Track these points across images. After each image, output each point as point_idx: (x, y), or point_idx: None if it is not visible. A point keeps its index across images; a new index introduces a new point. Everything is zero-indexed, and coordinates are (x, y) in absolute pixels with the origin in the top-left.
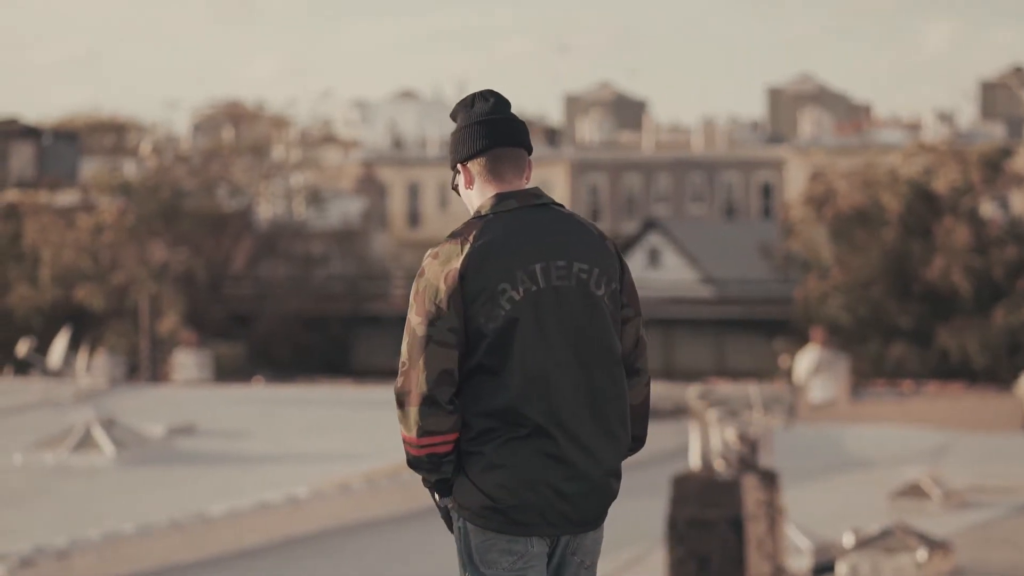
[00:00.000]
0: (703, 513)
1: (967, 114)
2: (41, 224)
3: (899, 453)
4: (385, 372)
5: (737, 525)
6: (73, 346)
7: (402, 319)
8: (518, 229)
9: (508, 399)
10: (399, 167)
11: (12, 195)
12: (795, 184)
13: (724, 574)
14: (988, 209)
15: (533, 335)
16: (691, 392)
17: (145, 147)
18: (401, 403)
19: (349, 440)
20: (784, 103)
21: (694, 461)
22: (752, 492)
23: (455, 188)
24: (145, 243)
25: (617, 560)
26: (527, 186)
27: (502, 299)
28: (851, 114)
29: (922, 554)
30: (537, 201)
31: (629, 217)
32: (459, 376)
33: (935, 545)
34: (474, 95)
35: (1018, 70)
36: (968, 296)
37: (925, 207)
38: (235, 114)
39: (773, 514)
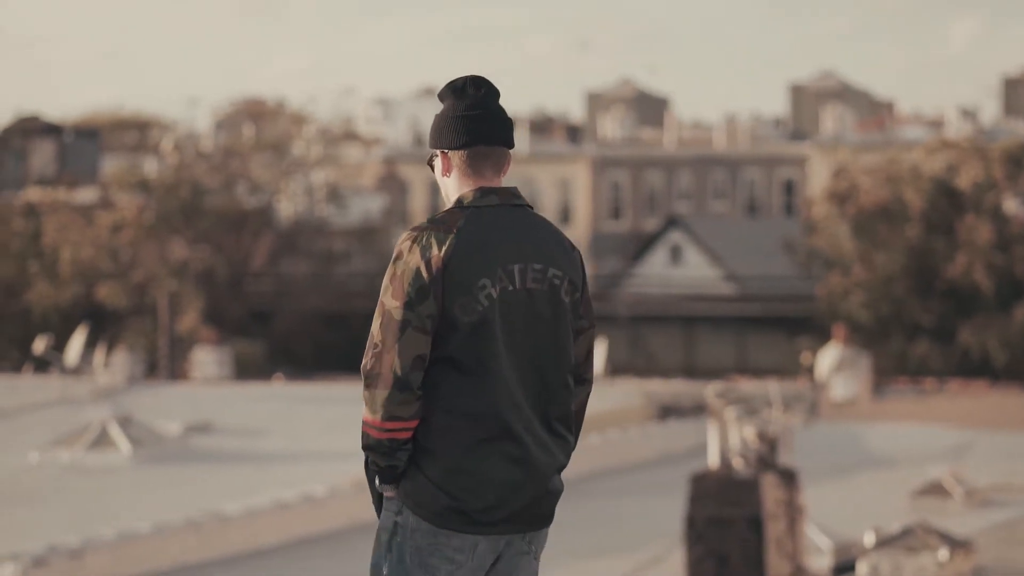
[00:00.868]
0: (722, 512)
1: (990, 111)
2: (60, 222)
3: (921, 451)
4: None
5: (756, 524)
6: (91, 344)
7: None
8: (500, 226)
9: (475, 400)
10: (421, 164)
11: (33, 193)
12: (818, 181)
13: (743, 573)
14: (1011, 206)
15: (503, 336)
16: (709, 390)
17: (166, 144)
18: (370, 385)
19: None
20: (807, 100)
21: (712, 459)
22: (771, 491)
23: (430, 166)
24: (165, 240)
25: (635, 560)
26: (504, 183)
27: (481, 294)
28: (874, 111)
29: (944, 553)
30: (516, 201)
31: (651, 214)
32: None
33: (957, 544)
34: (465, 81)
35: None
36: (990, 293)
37: (948, 204)
38: (256, 111)
39: (793, 513)
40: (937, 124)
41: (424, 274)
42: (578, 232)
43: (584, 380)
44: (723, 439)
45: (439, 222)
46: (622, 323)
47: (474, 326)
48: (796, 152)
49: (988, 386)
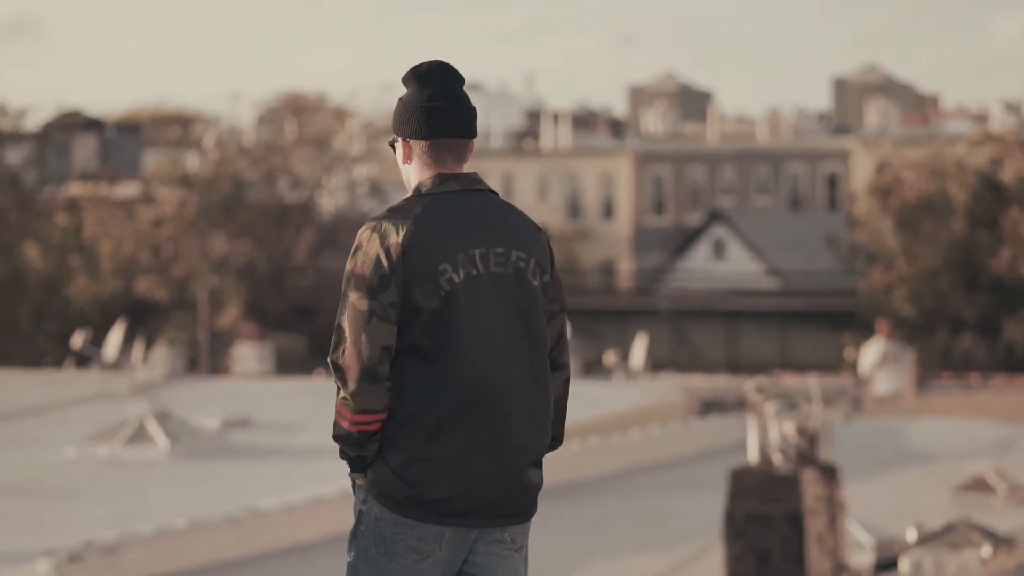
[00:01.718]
0: (762, 508)
1: None
2: (101, 216)
3: (964, 447)
4: None
5: (796, 520)
6: (129, 338)
7: None
8: (460, 212)
9: (435, 386)
10: None
11: (74, 187)
12: (861, 175)
13: (783, 570)
14: None
15: (469, 321)
16: (748, 385)
17: (208, 139)
18: (339, 378)
19: None
20: (850, 94)
21: (752, 455)
22: (811, 486)
23: (392, 147)
24: (206, 235)
25: (676, 556)
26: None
27: (441, 279)
28: (918, 105)
29: (986, 550)
30: (477, 186)
31: (694, 209)
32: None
33: (1000, 541)
34: (430, 66)
35: None
36: None
37: (992, 198)
38: (298, 106)
39: (833, 509)
40: (981, 118)
41: (384, 263)
42: (621, 227)
43: (559, 365)
44: (763, 434)
45: (397, 211)
46: (664, 318)
47: (436, 312)
48: (839, 146)
49: None
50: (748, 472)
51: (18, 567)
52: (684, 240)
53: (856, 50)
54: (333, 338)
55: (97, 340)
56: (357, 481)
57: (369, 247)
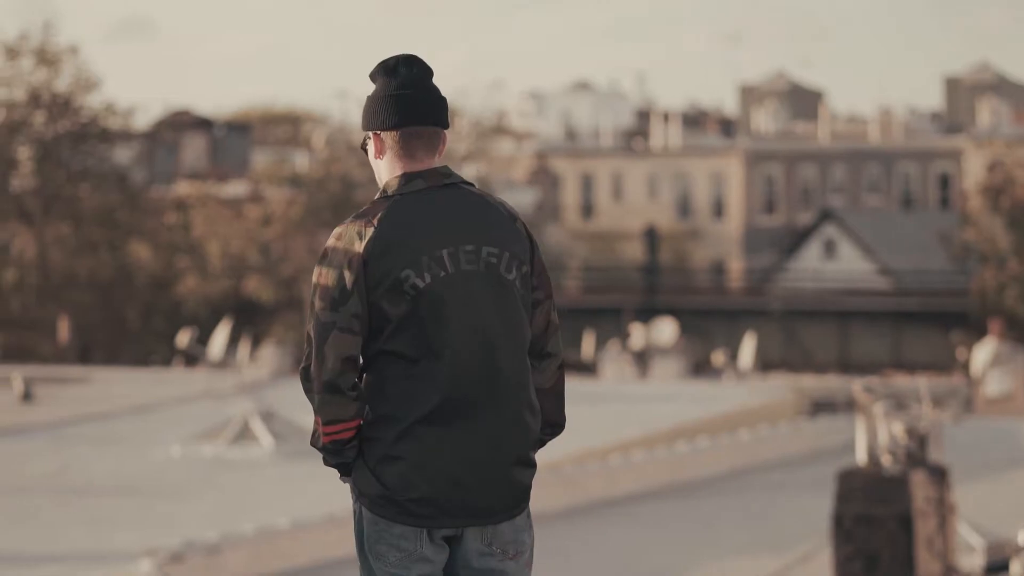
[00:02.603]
0: (870, 510)
1: None
2: (210, 215)
3: None
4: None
5: (906, 522)
6: (235, 338)
7: (576, 311)
8: (425, 212)
9: (411, 386)
10: (573, 158)
11: (183, 186)
12: (973, 174)
13: (892, 573)
14: None
15: (439, 322)
16: (856, 385)
17: (317, 138)
18: (306, 389)
19: None
20: (962, 93)
21: (860, 456)
22: (921, 488)
23: (364, 149)
24: (314, 234)
25: (783, 558)
26: (437, 163)
27: (405, 285)
28: None
29: None
30: (446, 181)
31: (805, 208)
32: (364, 359)
33: None
34: (397, 59)
35: None
36: None
37: None
38: None
39: (943, 511)
40: None
41: (346, 273)
42: (731, 226)
43: (547, 354)
44: (871, 435)
45: (361, 216)
46: (775, 318)
47: (405, 317)
48: (951, 145)
49: None
50: (856, 473)
51: (120, 566)
52: (795, 240)
53: (968, 49)
54: (304, 347)
55: (204, 339)
56: (346, 483)
57: (333, 257)
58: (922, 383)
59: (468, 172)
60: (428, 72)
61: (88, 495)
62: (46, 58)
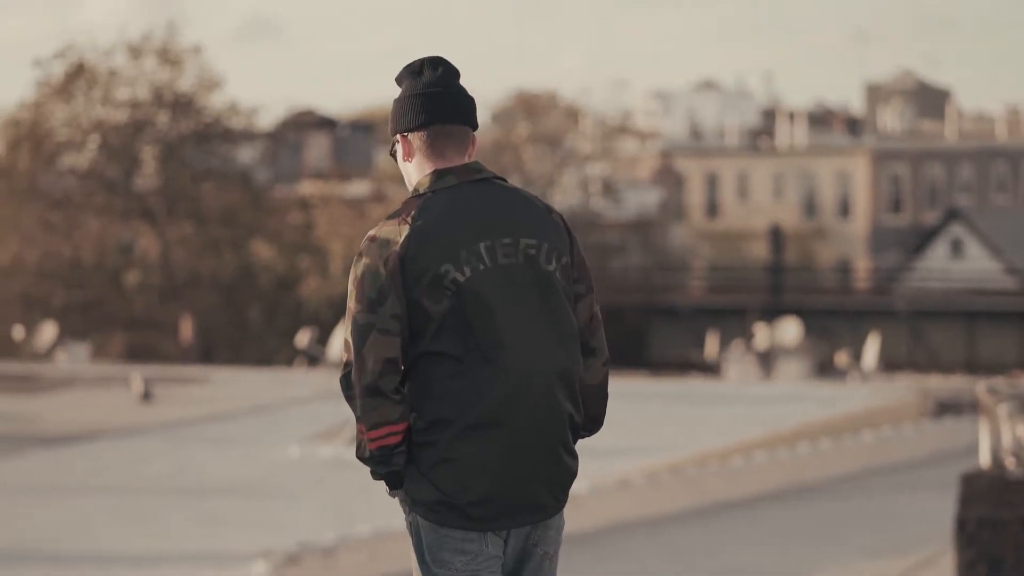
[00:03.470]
0: (994, 513)
1: None
2: (333, 215)
3: None
4: (681, 364)
5: None
6: None
7: (700, 311)
8: (459, 207)
9: (460, 387)
10: (697, 158)
11: (306, 186)
12: None
13: None
14: None
15: (483, 318)
16: (980, 386)
17: None
18: (348, 395)
19: (633, 434)
20: None
21: (984, 458)
22: None
23: (393, 155)
24: None
25: (905, 562)
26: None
27: (445, 281)
28: None
29: None
30: (478, 176)
31: (931, 207)
32: (406, 362)
33: None
34: (423, 62)
35: None
36: None
37: None
38: (530, 105)
39: None
40: None
41: (382, 273)
42: (857, 226)
43: (592, 349)
44: (995, 437)
45: (395, 215)
46: (901, 318)
47: (447, 314)
48: None
49: None
50: (980, 476)
51: (235, 568)
52: (921, 239)
53: None
54: (343, 355)
55: (324, 339)
56: (400, 498)
57: (368, 257)
58: None
59: (593, 172)
60: (455, 73)
61: (204, 496)
62: (169, 58)
